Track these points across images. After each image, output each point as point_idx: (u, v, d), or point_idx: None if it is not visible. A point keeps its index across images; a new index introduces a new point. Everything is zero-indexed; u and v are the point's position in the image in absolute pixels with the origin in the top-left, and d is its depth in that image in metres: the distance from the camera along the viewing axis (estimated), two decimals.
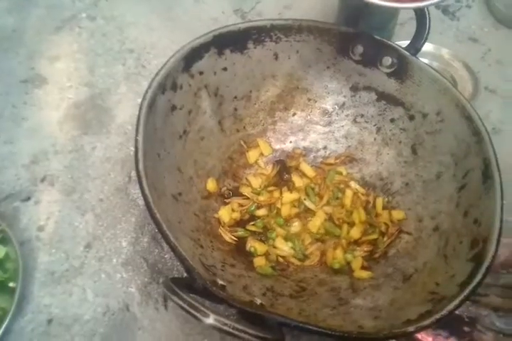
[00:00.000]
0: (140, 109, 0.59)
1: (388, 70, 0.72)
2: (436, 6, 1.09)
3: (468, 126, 0.64)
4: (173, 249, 0.51)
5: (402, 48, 0.69)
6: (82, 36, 0.96)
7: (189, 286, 0.50)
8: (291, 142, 0.82)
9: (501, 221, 0.56)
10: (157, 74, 0.62)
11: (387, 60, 0.71)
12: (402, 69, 0.71)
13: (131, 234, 0.75)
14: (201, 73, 0.70)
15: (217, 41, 0.69)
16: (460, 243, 0.61)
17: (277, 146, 0.81)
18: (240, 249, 0.70)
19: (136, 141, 0.56)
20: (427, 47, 0.93)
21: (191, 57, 0.67)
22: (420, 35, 0.69)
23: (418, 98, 0.71)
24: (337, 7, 0.95)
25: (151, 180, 0.55)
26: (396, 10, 0.90)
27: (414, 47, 0.69)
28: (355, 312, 0.61)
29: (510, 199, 0.78)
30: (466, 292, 0.51)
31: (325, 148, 0.81)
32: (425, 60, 0.94)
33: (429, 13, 0.68)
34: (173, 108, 0.67)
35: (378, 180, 0.77)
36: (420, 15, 0.68)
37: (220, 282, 0.51)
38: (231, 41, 0.70)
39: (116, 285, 0.71)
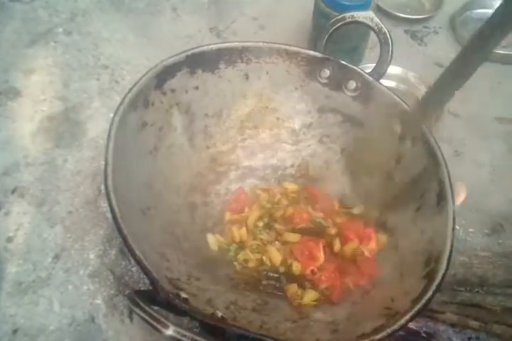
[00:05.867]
0: (111, 124, 0.59)
1: (353, 94, 0.74)
2: (405, 30, 1.13)
3: (426, 149, 0.66)
4: (138, 262, 0.51)
5: (366, 73, 0.72)
6: (58, 50, 0.97)
7: (153, 299, 0.51)
8: (259, 159, 0.84)
9: (452, 241, 0.57)
10: (129, 91, 0.63)
11: (352, 84, 0.73)
12: (365, 93, 0.73)
13: (99, 247, 0.76)
14: (173, 91, 0.71)
15: (190, 61, 0.70)
16: (415, 261, 0.62)
17: (246, 163, 0.83)
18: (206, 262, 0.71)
19: (106, 155, 0.57)
20: (395, 70, 0.97)
21: (164, 75, 0.68)
22: (383, 61, 0.72)
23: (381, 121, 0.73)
24: (310, 29, 0.98)
25: (119, 194, 0.56)
26: (366, 34, 0.94)
27: (378, 72, 0.72)
28: (315, 325, 0.62)
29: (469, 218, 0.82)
30: (417, 308, 0.53)
31: (292, 166, 0.83)
32: (393, 83, 0.97)
33: (392, 41, 0.71)
34: (144, 124, 0.67)
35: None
36: (384, 42, 0.71)
37: (183, 295, 0.52)
38: (203, 61, 0.72)
39: (82, 296, 0.71)
